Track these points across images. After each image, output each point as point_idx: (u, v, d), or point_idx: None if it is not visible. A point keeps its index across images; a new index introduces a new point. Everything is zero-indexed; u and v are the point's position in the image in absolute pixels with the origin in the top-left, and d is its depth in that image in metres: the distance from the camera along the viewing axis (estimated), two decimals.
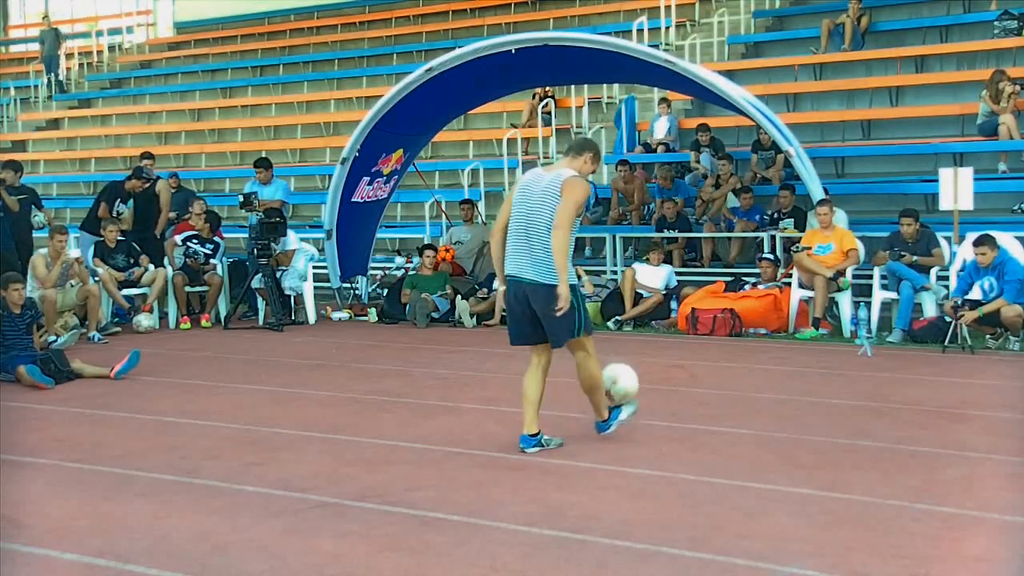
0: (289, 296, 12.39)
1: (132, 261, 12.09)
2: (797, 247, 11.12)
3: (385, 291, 13.16)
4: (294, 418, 7.23)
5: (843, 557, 4.39)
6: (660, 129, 15.48)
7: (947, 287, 10.33)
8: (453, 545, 4.61)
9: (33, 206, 12.67)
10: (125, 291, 11.84)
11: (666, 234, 12.99)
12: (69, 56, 25.74)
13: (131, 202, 12.74)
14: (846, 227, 11.33)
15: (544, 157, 16.52)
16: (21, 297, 8.96)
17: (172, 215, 13.21)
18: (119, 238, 12.10)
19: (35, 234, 12.82)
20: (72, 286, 11.06)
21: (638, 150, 15.54)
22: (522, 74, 12.67)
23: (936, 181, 11.19)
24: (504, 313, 11.59)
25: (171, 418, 7.31)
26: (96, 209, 12.76)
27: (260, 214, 12.00)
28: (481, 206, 15.23)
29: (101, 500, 5.41)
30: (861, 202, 13.25)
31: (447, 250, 13.05)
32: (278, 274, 12.19)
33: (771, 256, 11.54)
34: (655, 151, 15.32)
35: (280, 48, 24.23)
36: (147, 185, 12.89)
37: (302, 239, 13.13)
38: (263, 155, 15.47)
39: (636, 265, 11.93)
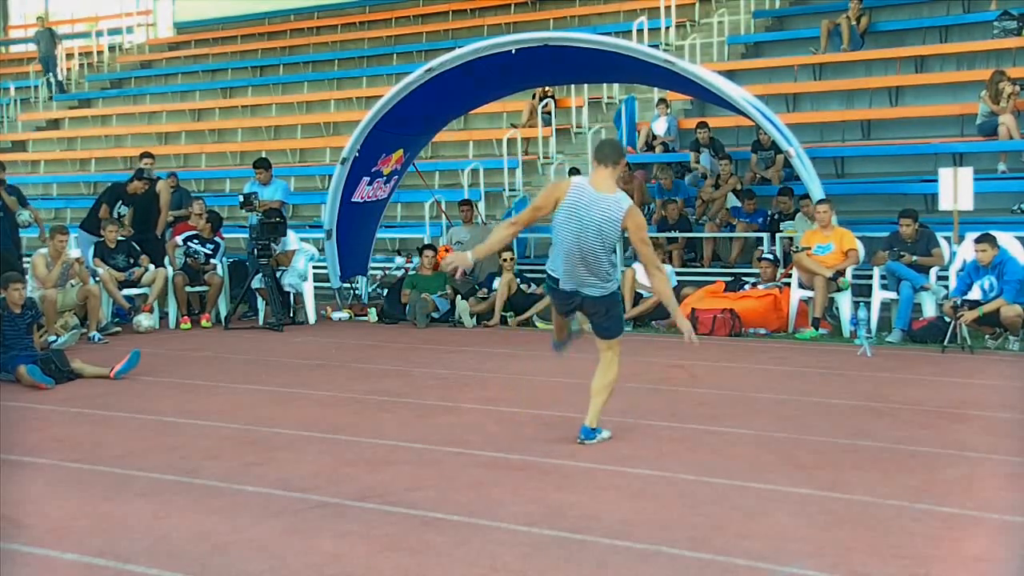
0: (289, 294, 12.39)
1: (132, 261, 12.10)
2: (796, 247, 11.13)
3: (385, 291, 13.16)
4: (294, 418, 7.23)
5: (843, 557, 4.39)
6: (659, 129, 15.49)
7: (947, 287, 10.33)
8: (453, 545, 4.61)
9: (19, 205, 12.63)
10: (125, 291, 11.85)
11: (666, 234, 13.00)
12: (69, 56, 25.74)
13: (131, 207, 12.74)
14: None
15: (544, 157, 16.53)
16: (21, 297, 8.96)
17: (171, 217, 13.21)
18: (119, 238, 12.11)
19: (21, 233, 12.80)
20: (72, 286, 11.06)
21: (640, 148, 15.54)
22: (522, 74, 12.67)
23: (936, 181, 11.20)
24: (504, 313, 11.72)
25: (171, 418, 7.31)
26: (97, 210, 12.76)
27: (260, 214, 12.01)
28: (481, 206, 15.23)
29: (101, 500, 5.40)
30: (861, 202, 13.26)
31: (447, 250, 13.05)
32: (278, 273, 12.19)
33: (771, 256, 11.55)
34: (654, 150, 15.33)
35: (280, 48, 24.23)
36: (149, 186, 12.90)
37: (302, 239, 13.13)
38: (263, 155, 15.48)
39: (636, 265, 11.92)
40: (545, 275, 6.31)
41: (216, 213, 13.08)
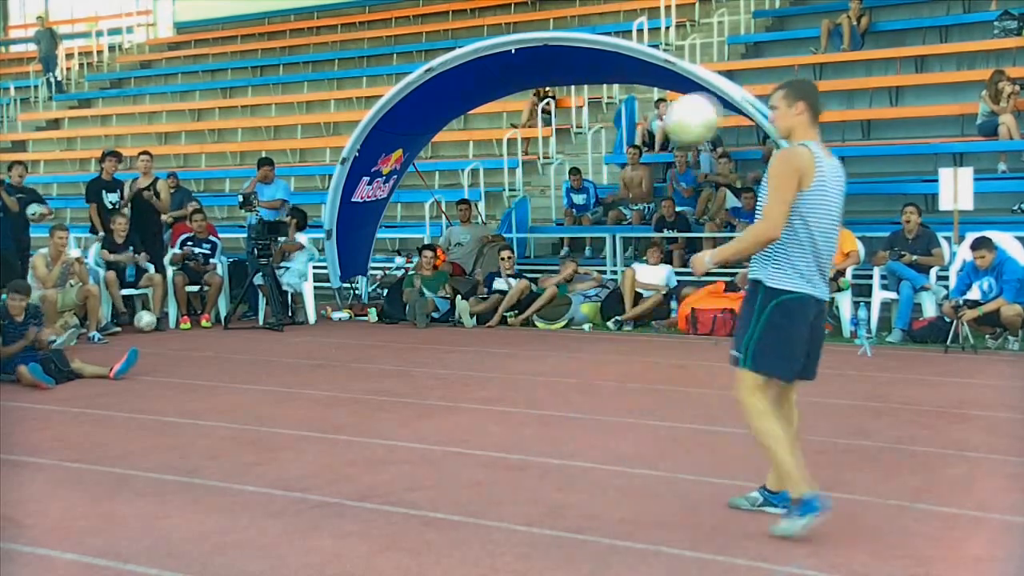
0: (287, 292, 12.36)
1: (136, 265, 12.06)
2: None
3: (385, 291, 13.16)
4: (294, 418, 7.23)
5: (843, 557, 4.39)
6: (659, 129, 15.49)
7: (947, 287, 10.34)
8: (453, 545, 4.61)
9: (32, 203, 12.60)
10: (124, 291, 11.84)
11: (666, 234, 13.01)
12: (69, 56, 25.76)
13: (118, 192, 12.73)
14: None
15: (544, 157, 16.54)
16: (21, 310, 8.89)
17: (170, 218, 13.21)
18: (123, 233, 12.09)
19: (32, 232, 12.79)
20: (72, 286, 11.05)
21: (639, 145, 15.55)
22: (522, 74, 12.68)
23: (936, 181, 11.20)
24: (504, 313, 11.69)
25: (171, 418, 7.31)
26: (94, 213, 12.68)
27: (259, 213, 12.09)
28: (481, 206, 15.24)
29: (101, 500, 5.40)
30: (861, 202, 13.23)
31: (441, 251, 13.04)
32: (278, 272, 12.18)
33: None
34: (651, 148, 15.34)
35: (280, 48, 24.25)
36: (118, 163, 12.88)
37: None
38: (263, 155, 15.48)
39: (636, 265, 11.95)
40: (774, 298, 4.55)
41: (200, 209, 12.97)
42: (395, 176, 13.55)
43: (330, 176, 13.37)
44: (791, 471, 4.51)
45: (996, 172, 12.97)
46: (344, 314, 12.71)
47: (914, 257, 10.47)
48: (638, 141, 15.59)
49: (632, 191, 14.34)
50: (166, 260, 12.31)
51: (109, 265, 11.81)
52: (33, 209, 12.35)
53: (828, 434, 6.54)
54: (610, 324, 11.35)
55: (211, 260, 12.40)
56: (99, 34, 27.13)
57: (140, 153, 13.60)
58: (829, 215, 4.60)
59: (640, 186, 14.26)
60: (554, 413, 7.25)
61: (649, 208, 14.22)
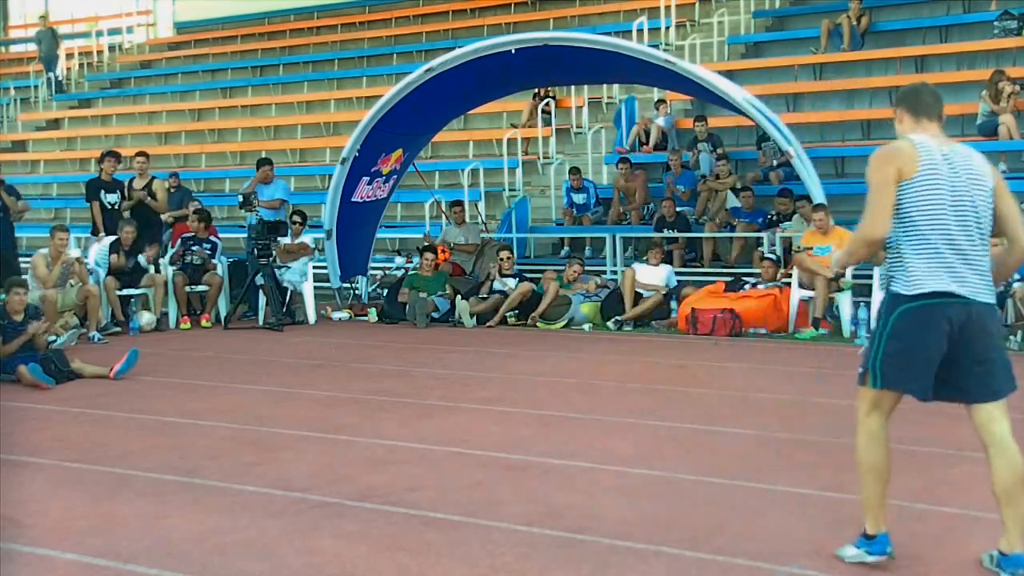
0: (287, 290, 12.35)
1: (138, 265, 12.05)
2: (798, 247, 11.14)
3: (385, 291, 13.16)
4: (294, 418, 7.23)
5: None
6: (657, 130, 15.48)
7: None
8: (453, 545, 4.61)
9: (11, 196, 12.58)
10: (124, 291, 11.82)
11: (666, 234, 13.01)
12: (69, 56, 25.74)
13: (117, 193, 12.75)
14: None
15: (544, 157, 16.54)
16: (22, 303, 8.89)
17: (170, 218, 13.20)
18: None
19: (32, 232, 12.78)
20: (72, 286, 11.05)
21: (631, 143, 15.55)
22: (522, 74, 12.68)
23: None
24: (506, 313, 11.69)
25: (171, 418, 7.31)
26: (96, 212, 12.71)
27: (259, 213, 12.10)
28: (481, 206, 15.24)
29: (101, 500, 5.40)
30: (861, 202, 13.05)
31: (442, 251, 13.04)
32: (278, 272, 12.18)
33: (772, 256, 11.55)
34: (649, 146, 15.34)
35: (280, 48, 24.24)
36: (118, 164, 12.95)
37: None
38: (263, 155, 15.47)
39: (636, 265, 11.95)
40: (898, 307, 4.22)
41: (205, 210, 12.95)
42: (395, 176, 13.55)
43: (330, 176, 13.37)
44: (873, 504, 4.40)
45: None
46: (344, 314, 12.71)
47: None
48: (627, 144, 15.53)
49: (628, 199, 14.35)
50: (166, 260, 12.31)
51: (110, 270, 11.78)
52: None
53: (828, 434, 6.54)
54: (610, 324, 11.34)
55: (211, 260, 12.39)
56: (99, 34, 27.11)
57: (136, 154, 13.61)
58: (942, 203, 4.23)
59: (635, 196, 14.27)
60: (554, 413, 7.25)
61: (649, 208, 14.22)
